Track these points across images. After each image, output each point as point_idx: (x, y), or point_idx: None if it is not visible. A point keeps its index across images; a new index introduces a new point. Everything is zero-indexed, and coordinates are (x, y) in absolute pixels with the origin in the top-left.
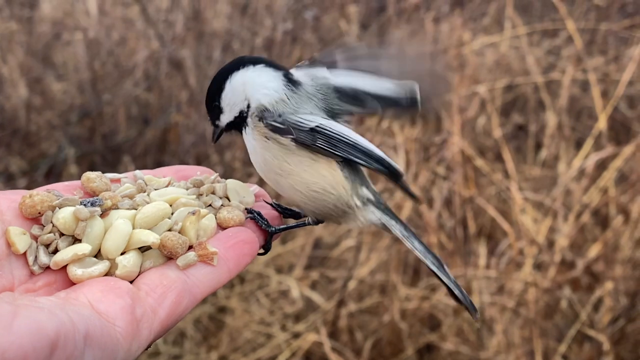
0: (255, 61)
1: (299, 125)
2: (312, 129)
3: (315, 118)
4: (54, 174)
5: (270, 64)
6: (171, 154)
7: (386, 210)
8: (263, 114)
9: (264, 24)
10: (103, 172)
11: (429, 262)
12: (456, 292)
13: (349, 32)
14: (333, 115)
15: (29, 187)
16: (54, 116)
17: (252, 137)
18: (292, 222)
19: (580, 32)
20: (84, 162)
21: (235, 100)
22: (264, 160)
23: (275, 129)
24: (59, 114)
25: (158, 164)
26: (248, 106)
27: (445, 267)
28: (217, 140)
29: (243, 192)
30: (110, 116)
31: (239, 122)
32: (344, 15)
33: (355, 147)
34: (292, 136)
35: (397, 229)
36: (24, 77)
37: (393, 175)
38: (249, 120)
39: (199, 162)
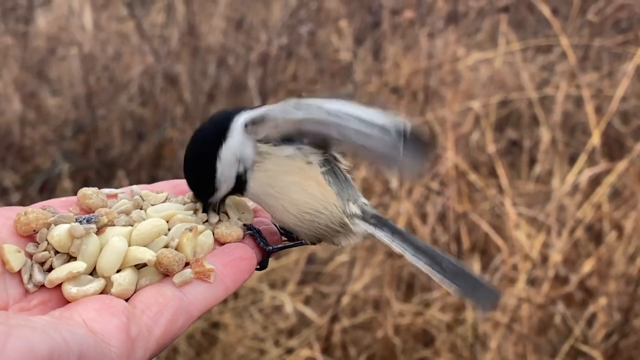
0: (228, 119)
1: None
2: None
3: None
4: (47, 189)
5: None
6: (166, 168)
7: (372, 219)
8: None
9: (259, 39)
10: (98, 187)
11: (419, 264)
12: (452, 289)
13: (342, 47)
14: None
15: (22, 201)
16: (49, 131)
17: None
18: (289, 241)
19: (574, 48)
20: (78, 177)
21: (230, 172)
22: (256, 188)
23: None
24: (53, 128)
25: (152, 178)
26: (244, 169)
27: (445, 262)
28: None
29: (242, 208)
30: (104, 131)
31: (238, 186)
32: (338, 30)
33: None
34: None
35: (381, 235)
36: (19, 91)
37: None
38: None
39: None
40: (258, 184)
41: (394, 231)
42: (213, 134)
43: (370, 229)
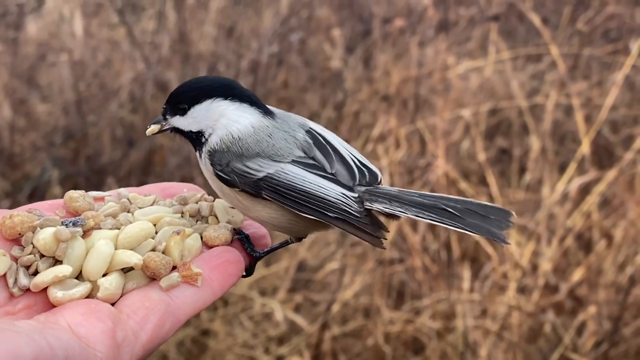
0: (242, 97)
1: (245, 176)
2: (258, 179)
3: (266, 166)
4: (37, 196)
5: (254, 102)
6: (156, 175)
7: (366, 194)
8: (213, 157)
9: (250, 46)
10: (87, 192)
11: (424, 219)
12: (469, 231)
13: (333, 55)
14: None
15: (11, 208)
16: (38, 137)
17: (208, 171)
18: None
19: (564, 57)
20: (67, 184)
21: (204, 121)
22: (223, 194)
23: (221, 179)
24: (43, 135)
25: (142, 185)
26: (210, 135)
27: (454, 204)
28: (158, 133)
29: (232, 212)
30: (94, 138)
31: (192, 138)
32: (329, 38)
33: (306, 199)
34: (237, 189)
35: (380, 207)
36: (9, 98)
37: (352, 225)
38: (203, 153)
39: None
40: (220, 193)
41: (390, 198)
42: (226, 88)
43: (369, 205)
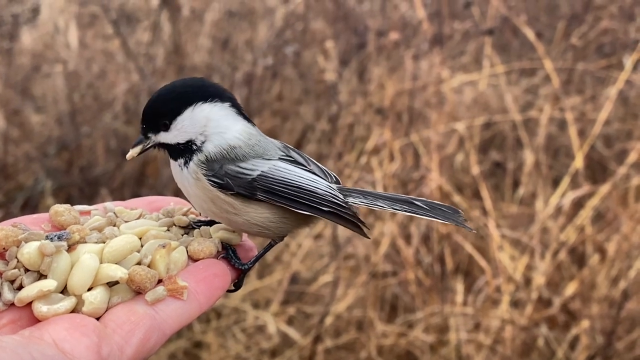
0: (221, 96)
1: (240, 177)
2: (253, 179)
3: (259, 164)
4: (30, 206)
5: (234, 104)
6: (149, 187)
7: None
8: (206, 165)
9: (245, 58)
10: (80, 205)
11: (399, 211)
12: (440, 220)
13: (328, 68)
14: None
15: (4, 219)
16: (32, 148)
17: (194, 183)
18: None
19: (558, 71)
20: (61, 195)
21: (191, 130)
22: (212, 202)
23: (214, 184)
24: (37, 146)
25: (136, 197)
26: (202, 142)
27: (419, 202)
28: (140, 154)
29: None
30: (88, 149)
31: (179, 150)
32: (323, 51)
33: (298, 194)
34: (232, 192)
35: (356, 201)
36: (2, 108)
37: (343, 218)
38: (192, 163)
39: (176, 195)
40: (206, 203)
41: (364, 194)
42: (202, 90)
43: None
